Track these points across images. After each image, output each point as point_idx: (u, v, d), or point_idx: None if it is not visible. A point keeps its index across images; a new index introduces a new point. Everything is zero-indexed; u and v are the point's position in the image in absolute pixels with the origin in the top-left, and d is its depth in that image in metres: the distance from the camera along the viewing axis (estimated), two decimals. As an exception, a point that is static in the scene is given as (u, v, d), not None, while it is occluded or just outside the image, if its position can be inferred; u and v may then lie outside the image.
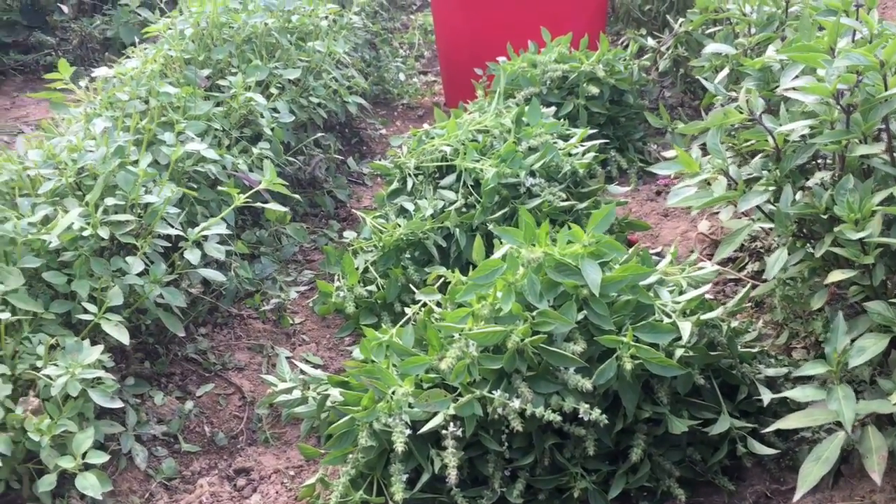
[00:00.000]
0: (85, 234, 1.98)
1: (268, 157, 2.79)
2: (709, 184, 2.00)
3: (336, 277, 2.71)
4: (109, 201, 2.08)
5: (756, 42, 2.70)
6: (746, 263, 2.57)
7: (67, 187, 2.14)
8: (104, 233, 2.00)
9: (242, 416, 2.31)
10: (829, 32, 1.86)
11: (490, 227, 2.48)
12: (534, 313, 1.77)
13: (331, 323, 2.68)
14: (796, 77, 1.99)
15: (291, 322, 2.62)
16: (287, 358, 2.36)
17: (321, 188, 3.28)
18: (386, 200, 2.85)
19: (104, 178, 2.05)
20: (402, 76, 4.76)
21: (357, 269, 2.63)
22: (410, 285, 2.56)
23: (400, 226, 2.61)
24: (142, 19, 5.62)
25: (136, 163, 2.21)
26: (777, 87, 2.35)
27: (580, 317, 1.77)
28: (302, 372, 2.33)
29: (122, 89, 2.59)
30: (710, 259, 2.73)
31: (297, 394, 2.19)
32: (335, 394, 2.13)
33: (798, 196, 1.83)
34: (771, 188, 1.85)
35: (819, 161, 1.88)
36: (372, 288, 2.60)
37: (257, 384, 2.41)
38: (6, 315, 1.77)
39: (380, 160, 3.86)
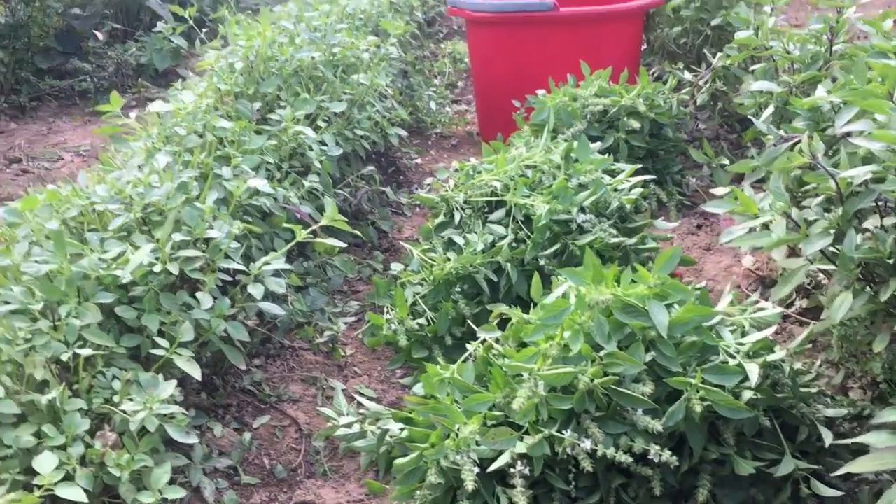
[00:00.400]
0: (156, 269, 2.02)
1: (318, 191, 2.84)
2: (766, 226, 2.03)
3: (385, 309, 2.75)
4: (176, 237, 2.12)
5: (801, 80, 2.75)
6: (794, 300, 2.60)
7: (135, 223, 2.19)
8: (174, 269, 2.04)
9: (299, 448, 2.34)
10: (890, 79, 1.90)
11: (542, 262, 2.52)
12: (601, 354, 1.80)
13: (380, 355, 2.71)
14: (851, 120, 2.03)
15: (343, 354, 2.66)
16: (342, 390, 2.40)
17: (365, 219, 3.32)
18: (434, 233, 2.89)
19: (173, 215, 2.09)
20: (433, 105, 4.82)
21: (406, 301, 2.67)
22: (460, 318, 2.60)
23: (450, 259, 2.64)
24: (174, 46, 5.73)
25: (198, 197, 2.26)
26: (828, 126, 2.40)
27: (647, 358, 1.80)
28: (359, 405, 2.37)
29: (179, 123, 2.64)
30: (755, 293, 2.76)
31: (355, 427, 2.22)
32: (394, 428, 2.16)
33: (859, 239, 1.86)
34: (832, 231, 1.89)
35: (879, 204, 1.91)
36: (422, 321, 2.64)
37: (312, 416, 2.44)
38: (87, 351, 1.81)
39: (416, 189, 3.92)
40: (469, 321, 2.57)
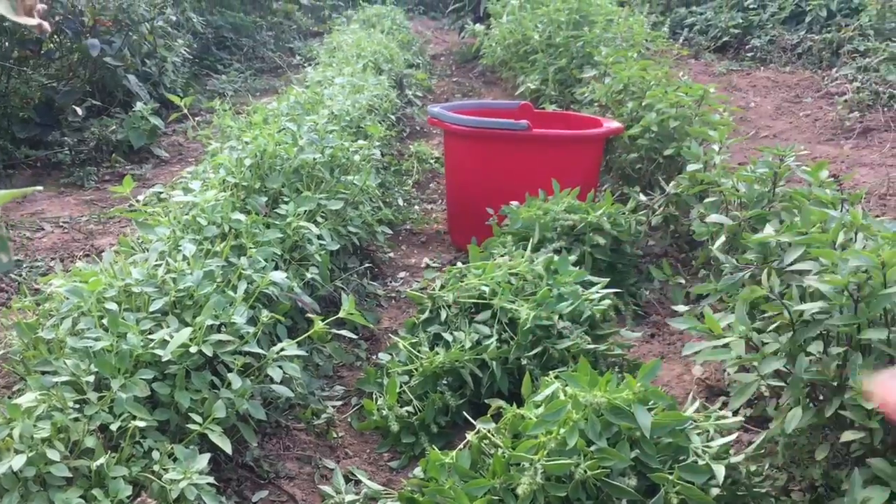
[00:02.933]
0: (191, 350, 2.23)
1: (318, 282, 3.09)
2: (726, 345, 2.38)
3: (373, 396, 2.98)
4: (207, 321, 2.34)
5: (749, 216, 3.16)
6: (739, 409, 2.94)
7: (168, 306, 2.40)
8: (208, 350, 2.25)
9: (297, 523, 2.53)
10: (834, 230, 2.30)
11: (524, 362, 2.81)
12: (592, 449, 2.08)
13: (368, 438, 2.93)
14: (797, 259, 2.42)
15: (335, 435, 2.87)
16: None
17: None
18: (419, 327, 3.16)
19: (211, 303, 2.31)
20: (400, 201, 5.15)
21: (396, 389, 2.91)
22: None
23: (438, 354, 2.91)
24: (151, 125, 5.96)
25: (226, 285, 2.49)
26: (774, 260, 2.79)
27: (631, 455, 2.09)
28: (356, 483, 2.58)
29: (199, 214, 2.87)
30: (703, 401, 3.10)
31: (355, 505, 2.43)
32: (392, 508, 2.38)
33: (807, 362, 2.21)
34: (784, 354, 2.24)
35: (823, 333, 2.27)
36: (409, 408, 2.88)
37: (308, 493, 2.62)
38: (139, 423, 1.99)
39: (390, 282, 4.19)
40: (452, 412, 2.83)
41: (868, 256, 2.05)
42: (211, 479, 2.04)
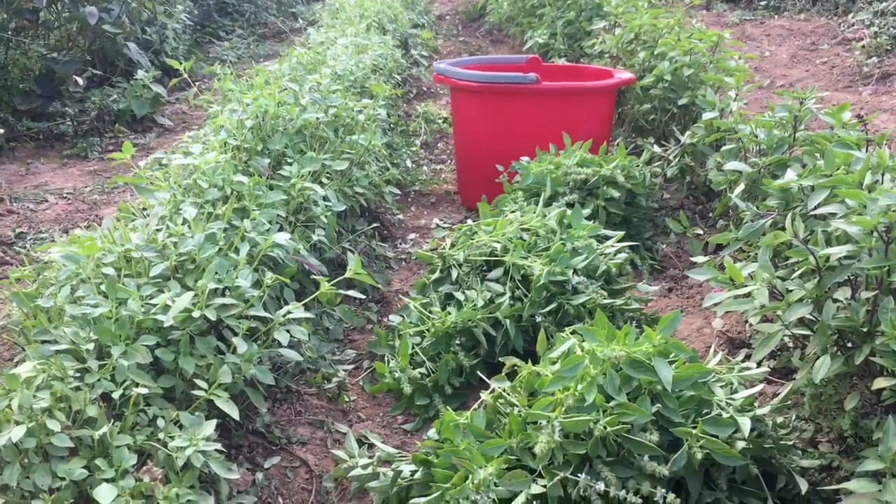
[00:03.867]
0: (194, 315, 2.16)
1: (324, 244, 3.01)
2: (748, 293, 2.28)
3: (385, 358, 2.91)
4: (210, 285, 2.26)
5: (769, 163, 3.04)
6: (763, 360, 2.85)
7: (169, 270, 2.32)
8: (211, 315, 2.18)
9: (311, 488, 2.47)
10: (861, 170, 2.19)
11: (538, 319, 2.73)
12: (612, 404, 2.00)
13: (381, 401, 2.86)
14: (822, 203, 2.32)
15: (347, 399, 2.80)
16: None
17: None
18: (430, 288, 3.08)
19: (212, 266, 2.23)
20: (409, 163, 5.05)
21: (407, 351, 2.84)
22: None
23: (451, 314, 2.83)
24: (154, 94, 5.87)
25: (229, 248, 2.41)
26: (797, 206, 2.68)
27: (652, 409, 2.01)
28: (369, 447, 2.52)
29: (201, 177, 2.79)
30: (725, 352, 3.01)
31: (369, 469, 2.37)
32: (406, 470, 2.31)
33: (834, 309, 2.11)
34: (810, 301, 2.14)
35: (851, 278, 2.18)
36: (422, 370, 2.81)
37: (321, 458, 2.57)
38: (141, 390, 1.93)
39: (400, 244, 4.11)
40: (466, 372, 2.76)
41: (898, 195, 1.94)
42: (218, 446, 1.98)
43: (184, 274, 2.36)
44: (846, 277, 2.10)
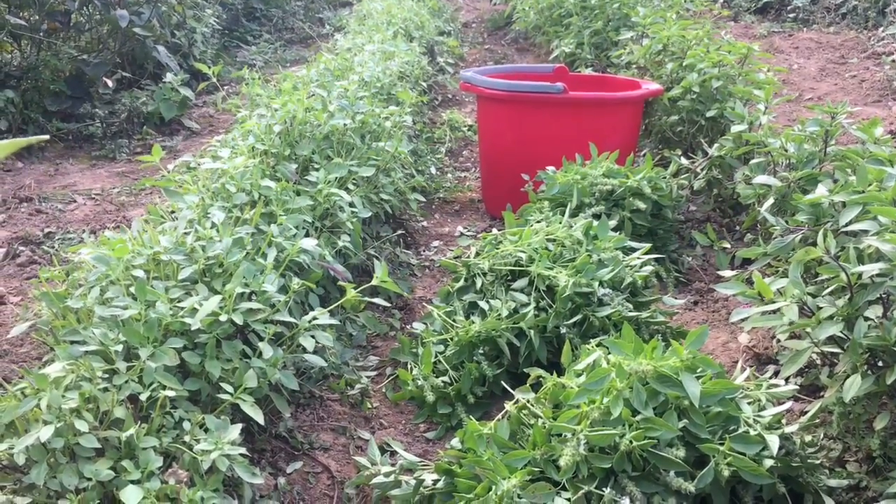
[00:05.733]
0: (221, 319, 2.17)
1: (350, 249, 3.02)
2: (777, 310, 2.26)
3: (408, 366, 2.91)
4: (238, 289, 2.27)
5: (799, 177, 3.02)
6: (790, 377, 2.82)
7: (197, 274, 2.33)
8: (238, 319, 2.19)
9: (332, 494, 2.47)
10: (895, 188, 2.16)
11: (563, 330, 2.71)
12: (638, 419, 1.98)
13: (403, 409, 2.86)
14: (853, 220, 2.29)
15: (370, 406, 2.80)
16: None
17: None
18: (455, 296, 3.07)
19: (240, 270, 2.24)
20: (433, 170, 5.05)
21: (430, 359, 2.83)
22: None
23: (474, 322, 2.82)
24: (182, 97, 5.91)
25: (256, 252, 2.42)
26: (827, 222, 2.66)
27: (679, 425, 1.99)
28: (391, 455, 2.52)
29: (229, 181, 2.80)
30: (751, 368, 2.98)
31: (391, 477, 2.36)
32: (429, 479, 2.31)
33: (865, 327, 2.08)
34: (841, 318, 2.12)
35: (882, 297, 2.15)
36: (445, 378, 2.80)
37: (343, 464, 2.57)
38: (168, 392, 1.94)
39: (424, 251, 4.11)
40: (489, 382, 2.75)
41: (934, 214, 1.92)
42: (243, 450, 1.99)
43: (211, 277, 2.37)
44: (878, 295, 2.07)
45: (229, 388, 2.10)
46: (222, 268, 2.38)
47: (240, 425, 2.03)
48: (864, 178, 2.43)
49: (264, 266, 2.40)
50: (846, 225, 2.31)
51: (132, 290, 2.16)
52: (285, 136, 3.29)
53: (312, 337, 2.37)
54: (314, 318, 2.42)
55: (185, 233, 2.51)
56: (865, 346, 2.05)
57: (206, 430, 2.03)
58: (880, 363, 2.11)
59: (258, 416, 2.10)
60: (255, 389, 2.33)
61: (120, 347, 2.02)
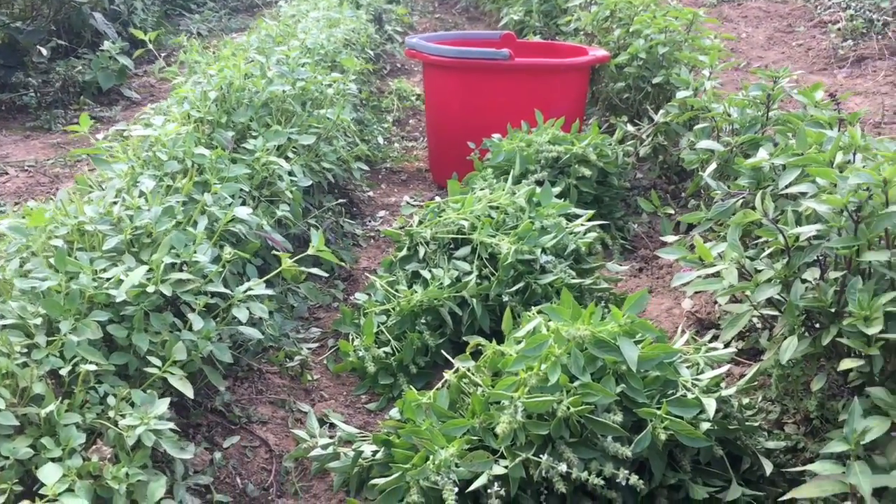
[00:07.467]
0: (149, 290, 2.09)
1: (289, 219, 2.94)
2: (717, 273, 2.24)
3: (350, 337, 2.86)
4: (167, 260, 2.19)
5: (741, 142, 3.01)
6: (731, 341, 2.82)
7: (124, 244, 2.25)
8: (167, 290, 2.11)
9: (270, 468, 2.42)
10: (832, 149, 2.15)
11: (505, 298, 2.68)
12: (576, 385, 1.96)
13: (345, 380, 2.81)
14: (793, 182, 2.28)
15: (310, 378, 2.75)
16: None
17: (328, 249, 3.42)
18: (397, 265, 3.02)
19: (168, 239, 2.16)
20: (380, 139, 4.97)
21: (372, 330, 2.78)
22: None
23: (416, 292, 2.78)
24: (120, 66, 5.73)
25: (187, 222, 2.34)
26: (768, 185, 2.65)
27: (617, 389, 1.97)
28: (330, 427, 2.47)
29: (160, 149, 2.70)
30: (692, 333, 2.98)
31: (329, 449, 2.32)
32: (367, 450, 2.27)
33: (802, 289, 2.08)
34: (779, 281, 2.11)
35: (820, 259, 2.14)
36: (387, 349, 2.76)
37: (282, 438, 2.51)
38: (89, 367, 1.86)
39: (369, 221, 4.05)
40: (431, 352, 2.71)
41: (869, 174, 1.91)
42: (171, 425, 1.92)
43: (139, 248, 2.28)
44: (815, 257, 2.07)
45: (157, 362, 2.03)
46: (151, 238, 2.29)
47: (167, 399, 1.96)
48: (803, 141, 2.42)
49: (195, 236, 2.31)
50: (785, 188, 2.30)
51: (52, 261, 2.07)
52: (221, 102, 3.19)
53: (247, 308, 2.30)
54: (249, 289, 2.35)
55: (113, 202, 2.42)
56: (802, 308, 2.05)
57: (133, 406, 1.96)
58: (817, 325, 2.11)
59: (188, 390, 2.03)
60: (186, 363, 2.26)
61: (39, 321, 1.94)
